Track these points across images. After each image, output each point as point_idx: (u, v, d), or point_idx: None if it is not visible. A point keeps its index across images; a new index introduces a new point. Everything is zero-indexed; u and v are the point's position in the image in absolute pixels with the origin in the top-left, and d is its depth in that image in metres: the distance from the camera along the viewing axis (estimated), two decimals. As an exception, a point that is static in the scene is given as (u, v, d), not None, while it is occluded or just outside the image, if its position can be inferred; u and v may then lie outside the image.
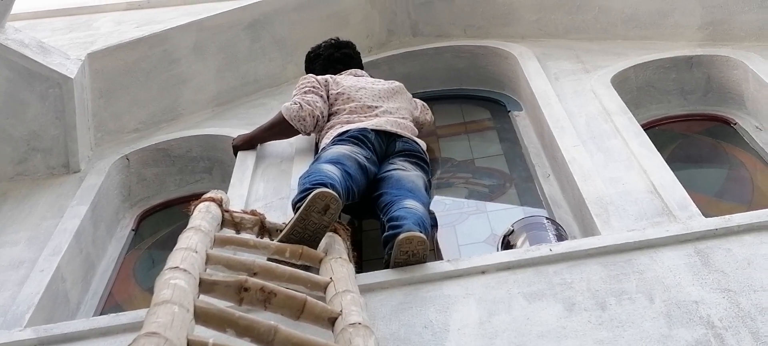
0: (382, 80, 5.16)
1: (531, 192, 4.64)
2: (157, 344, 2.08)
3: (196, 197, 3.92)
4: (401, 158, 4.33)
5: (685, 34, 5.60)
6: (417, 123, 4.96)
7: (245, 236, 3.73)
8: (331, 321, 2.78)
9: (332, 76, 5.03)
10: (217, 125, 5.57)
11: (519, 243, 3.81)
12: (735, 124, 5.05)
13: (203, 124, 5.73)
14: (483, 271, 3.41)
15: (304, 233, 3.44)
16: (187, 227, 3.38)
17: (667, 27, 5.69)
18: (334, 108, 4.78)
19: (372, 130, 4.42)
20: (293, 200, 3.79)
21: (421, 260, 3.49)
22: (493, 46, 6.06)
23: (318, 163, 4.03)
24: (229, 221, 3.75)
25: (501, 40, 6.11)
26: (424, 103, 5.36)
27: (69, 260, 4.36)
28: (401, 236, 3.46)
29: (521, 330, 3.04)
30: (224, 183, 4.93)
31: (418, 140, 4.61)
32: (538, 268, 3.37)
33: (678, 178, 3.95)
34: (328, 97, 4.85)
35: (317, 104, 4.76)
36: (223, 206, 3.80)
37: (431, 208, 4.16)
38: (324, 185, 3.58)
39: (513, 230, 3.92)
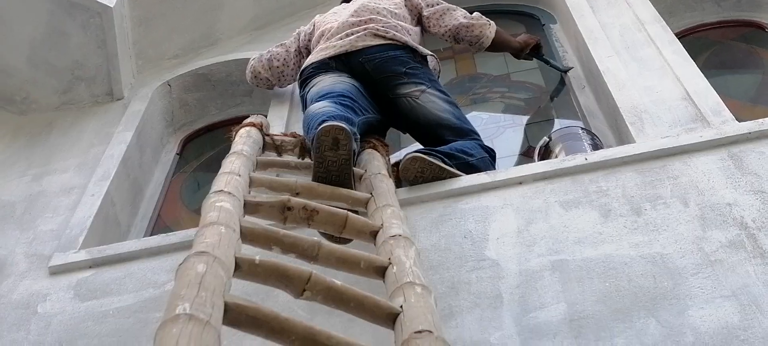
0: None
1: (566, 104, 4.68)
2: (206, 261, 2.16)
3: (238, 121, 4.00)
4: (397, 82, 4.09)
5: (718, -60, 5.56)
6: (426, 20, 4.66)
7: (287, 157, 3.81)
8: (372, 234, 2.86)
9: (322, 14, 4.88)
10: (255, 49, 5.59)
11: (555, 153, 3.86)
12: (769, 29, 5.05)
13: (242, 48, 5.78)
14: (520, 182, 3.48)
15: (328, 174, 3.28)
16: (230, 152, 3.46)
17: (701, -68, 5.65)
18: (311, 47, 4.67)
19: (330, 58, 4.23)
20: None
21: (436, 176, 3.57)
22: (527, -41, 6.04)
23: (307, 109, 3.85)
24: (270, 144, 3.82)
25: (535, -47, 6.08)
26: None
27: (118, 184, 4.49)
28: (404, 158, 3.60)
29: (558, 237, 3.12)
30: (265, 106, 5.03)
31: (396, 38, 4.26)
32: (574, 177, 3.44)
33: (712, 84, 3.97)
34: (303, 41, 4.81)
35: (276, 58, 4.85)
36: (264, 129, 3.87)
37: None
38: (323, 121, 3.34)
39: (549, 141, 3.98)
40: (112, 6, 5.24)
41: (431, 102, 4.01)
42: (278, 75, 4.82)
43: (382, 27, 4.29)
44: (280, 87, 4.94)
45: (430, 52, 4.38)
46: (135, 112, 5.14)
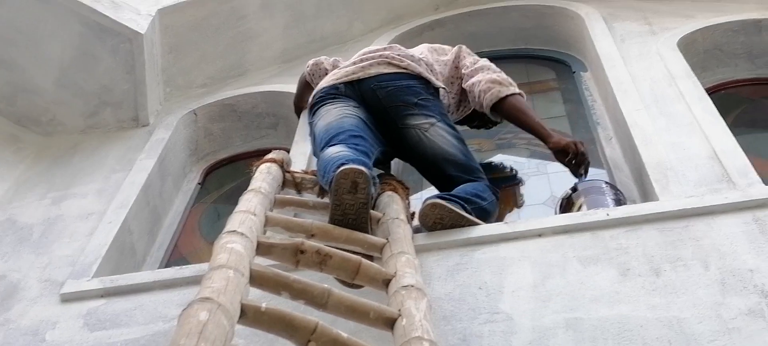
0: None
1: (592, 154, 4.59)
2: (209, 309, 2.14)
3: (262, 153, 4.01)
4: (407, 113, 4.01)
5: (755, -4, 5.52)
6: (453, 71, 4.51)
7: (306, 196, 3.79)
8: (385, 283, 2.83)
9: None
10: (283, 82, 5.62)
11: (577, 206, 3.81)
12: (802, 88, 4.98)
13: (269, 80, 5.79)
14: (539, 234, 3.43)
15: (345, 217, 3.24)
16: (248, 188, 3.45)
17: (737, -12, 5.61)
18: None
19: (341, 83, 4.15)
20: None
21: (455, 223, 3.53)
22: (560, 6, 6.01)
23: (320, 152, 3.73)
24: (290, 181, 3.81)
25: (569, 1, 6.06)
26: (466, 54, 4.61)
27: (136, 212, 4.48)
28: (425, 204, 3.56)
29: (575, 294, 3.07)
30: (289, 139, 5.00)
31: (410, 67, 4.19)
32: (594, 232, 3.39)
33: (742, 143, 3.91)
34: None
35: (325, 60, 4.77)
36: (285, 166, 3.85)
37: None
38: (342, 164, 3.27)
39: (572, 193, 3.92)
40: (143, 32, 5.26)
41: (440, 136, 3.97)
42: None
43: (397, 55, 4.25)
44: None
45: (442, 85, 4.32)
46: (159, 139, 5.14)
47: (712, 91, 4.80)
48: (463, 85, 4.46)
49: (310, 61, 4.78)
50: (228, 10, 5.81)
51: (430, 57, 4.50)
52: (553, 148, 4.09)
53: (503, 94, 4.24)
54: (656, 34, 5.30)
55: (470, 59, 4.51)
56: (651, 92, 4.53)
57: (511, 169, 4.63)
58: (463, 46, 4.62)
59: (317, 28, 6.15)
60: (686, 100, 4.35)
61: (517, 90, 4.31)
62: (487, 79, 4.30)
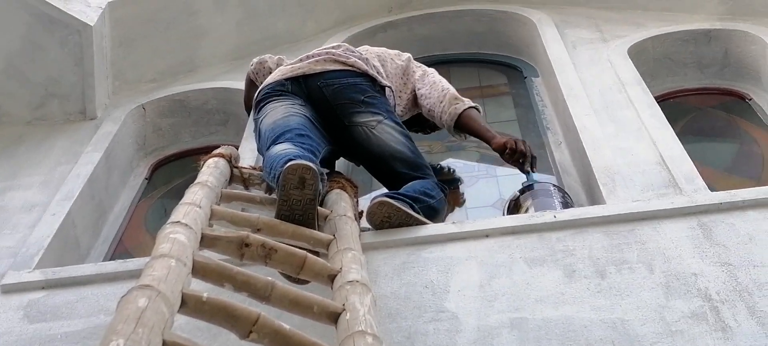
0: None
1: (542, 158, 4.62)
2: (149, 296, 2.10)
3: (211, 149, 3.95)
4: (353, 110, 3.99)
5: (705, 7, 5.57)
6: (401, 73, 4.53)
7: (254, 192, 3.76)
8: (330, 278, 2.79)
9: None
10: (234, 79, 5.58)
11: (525, 208, 3.82)
12: (750, 99, 5.04)
13: (221, 77, 5.76)
14: (487, 234, 3.43)
15: (292, 213, 3.19)
16: (195, 182, 3.40)
17: (688, -1, 5.67)
18: None
19: (287, 79, 4.10)
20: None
21: (403, 222, 3.53)
22: (512, 12, 6.05)
23: (266, 150, 3.69)
24: (237, 176, 3.77)
25: (521, 6, 6.08)
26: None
27: (81, 205, 4.42)
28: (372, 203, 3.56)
29: (520, 295, 3.07)
30: (238, 136, 4.97)
31: (356, 65, 4.16)
32: (541, 234, 3.40)
33: (689, 151, 3.94)
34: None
35: (269, 59, 4.69)
36: (233, 161, 3.81)
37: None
38: (290, 160, 3.24)
39: (520, 195, 3.93)
40: (92, 24, 5.20)
41: (387, 133, 3.96)
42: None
43: (343, 53, 4.24)
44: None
45: (389, 84, 4.30)
46: (106, 133, 5.09)
47: (661, 100, 4.84)
48: (418, 96, 4.45)
49: (255, 60, 4.71)
50: (180, 5, 5.78)
51: (384, 55, 4.51)
52: (495, 149, 4.12)
53: (462, 109, 4.26)
54: (607, 41, 5.34)
55: (420, 71, 4.53)
56: (601, 98, 4.56)
57: (451, 170, 4.60)
58: (411, 57, 4.62)
59: (270, 26, 6.13)
60: (635, 107, 4.38)
61: (473, 104, 4.33)
62: (450, 95, 4.32)
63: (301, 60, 4.23)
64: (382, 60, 4.45)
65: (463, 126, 4.28)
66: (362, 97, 4.02)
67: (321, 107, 4.00)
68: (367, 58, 4.31)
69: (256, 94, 4.19)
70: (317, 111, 3.99)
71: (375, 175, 4.07)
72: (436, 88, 4.38)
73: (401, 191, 3.69)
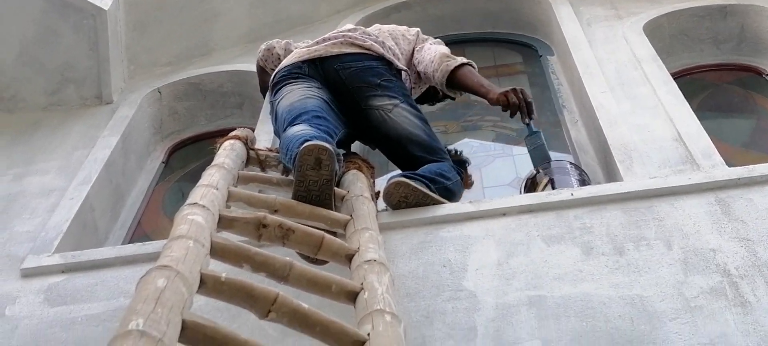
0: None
1: (558, 136, 4.64)
2: (167, 276, 2.10)
3: (227, 132, 3.95)
4: (370, 93, 3.99)
5: (721, -18, 5.54)
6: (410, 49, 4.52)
7: (270, 173, 3.76)
8: (348, 258, 2.80)
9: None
10: (249, 62, 5.55)
11: (541, 187, 3.81)
12: (766, 74, 5.01)
13: (235, 60, 5.75)
14: (504, 213, 3.43)
15: (309, 194, 3.19)
16: (211, 164, 3.41)
17: (704, -26, 5.63)
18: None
19: (304, 62, 4.11)
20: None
21: (420, 202, 3.53)
22: (527, -10, 6.03)
23: (283, 132, 3.70)
24: (254, 158, 3.77)
25: (536, -16, 6.07)
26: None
27: (98, 189, 4.44)
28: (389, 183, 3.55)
29: (538, 272, 3.07)
30: (254, 119, 4.97)
31: (373, 48, 4.17)
32: (558, 212, 3.39)
33: (706, 127, 3.93)
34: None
35: (277, 44, 4.69)
36: (249, 143, 3.81)
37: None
38: (306, 140, 3.24)
39: (537, 174, 3.92)
40: (106, 9, 5.20)
41: (403, 117, 3.94)
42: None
43: (360, 36, 4.23)
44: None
45: (405, 68, 4.29)
46: (122, 117, 5.10)
47: (677, 76, 4.82)
48: (414, 63, 4.44)
49: (262, 47, 4.70)
50: (194, -12, 5.77)
51: (396, 33, 4.49)
52: (492, 103, 4.10)
53: (454, 66, 4.21)
54: (622, 18, 5.31)
55: (423, 43, 4.51)
56: (617, 76, 4.54)
57: (458, 152, 4.53)
58: (420, 31, 4.60)
59: (283, 9, 6.11)
60: (651, 84, 4.36)
61: (467, 60, 4.28)
62: (441, 53, 4.29)
63: (317, 42, 4.23)
64: (395, 38, 4.44)
65: (456, 83, 4.24)
66: (378, 81, 4.01)
67: (337, 90, 4.00)
68: (383, 42, 4.29)
69: (272, 77, 4.19)
70: (334, 94, 3.98)
71: (391, 158, 4.05)
72: (430, 51, 4.36)
73: (418, 171, 3.69)
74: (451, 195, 3.67)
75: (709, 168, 3.56)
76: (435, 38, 4.53)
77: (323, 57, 4.10)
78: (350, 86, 3.99)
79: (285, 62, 4.20)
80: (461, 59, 4.25)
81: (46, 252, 3.76)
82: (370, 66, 4.08)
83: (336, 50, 4.12)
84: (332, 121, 3.77)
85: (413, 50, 4.48)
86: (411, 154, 3.87)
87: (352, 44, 4.16)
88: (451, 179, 3.73)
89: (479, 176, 4.38)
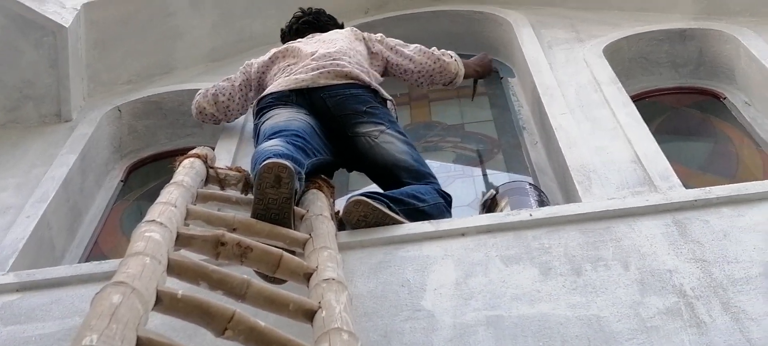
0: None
1: (518, 158, 4.66)
2: (123, 292, 2.09)
3: (187, 151, 3.93)
4: (356, 120, 4.06)
5: (680, 7, 5.60)
6: (383, 60, 4.75)
7: (229, 192, 3.75)
8: (306, 276, 2.79)
9: (278, 47, 4.84)
10: (210, 80, 5.49)
11: (501, 207, 3.83)
12: (724, 98, 5.06)
13: (197, 78, 5.73)
14: (463, 233, 3.42)
15: (268, 212, 3.18)
16: (170, 182, 3.39)
17: (663, -1, 5.70)
18: (266, 79, 4.62)
19: (291, 91, 4.18)
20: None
21: (379, 221, 3.51)
22: (489, 12, 6.07)
23: (257, 146, 3.82)
24: (213, 177, 3.75)
25: (497, 7, 6.10)
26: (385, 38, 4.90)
27: (56, 207, 4.40)
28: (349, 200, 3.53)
29: (496, 292, 3.06)
30: (214, 138, 4.95)
31: (359, 77, 4.25)
32: (517, 232, 3.39)
33: (664, 150, 3.96)
34: (255, 73, 4.72)
35: (222, 93, 4.80)
36: (209, 162, 3.79)
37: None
38: (268, 158, 3.26)
39: (496, 194, 3.94)
40: (67, 26, 5.17)
41: (390, 143, 3.97)
42: (224, 110, 4.77)
43: (347, 65, 4.27)
44: (227, 122, 4.89)
45: (390, 97, 4.35)
46: (81, 135, 5.06)
47: (636, 99, 4.86)
48: (401, 69, 4.73)
49: (196, 99, 4.92)
50: (156, 7, 5.76)
51: (368, 40, 4.74)
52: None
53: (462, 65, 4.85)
54: (583, 41, 5.36)
55: (391, 47, 4.77)
56: (576, 97, 4.58)
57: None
58: (384, 36, 4.78)
59: (246, 28, 6.12)
60: (611, 106, 4.40)
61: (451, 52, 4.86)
62: (436, 55, 4.78)
63: (304, 72, 4.26)
64: (359, 54, 4.52)
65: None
66: (364, 108, 4.07)
67: (324, 118, 4.05)
68: (368, 70, 4.39)
69: (257, 101, 4.27)
70: (321, 121, 4.04)
71: (380, 184, 4.04)
72: (424, 56, 4.78)
73: (386, 192, 3.69)
74: (424, 217, 3.61)
75: (666, 190, 3.58)
76: None
77: (310, 88, 4.15)
78: (337, 114, 4.05)
79: (271, 89, 4.25)
80: (452, 54, 4.77)
81: (0, 271, 3.71)
82: (355, 94, 4.15)
83: (323, 81, 4.17)
84: (313, 143, 3.80)
85: (368, 49, 4.67)
86: (399, 179, 3.88)
87: (337, 75, 4.21)
88: (426, 202, 3.70)
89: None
